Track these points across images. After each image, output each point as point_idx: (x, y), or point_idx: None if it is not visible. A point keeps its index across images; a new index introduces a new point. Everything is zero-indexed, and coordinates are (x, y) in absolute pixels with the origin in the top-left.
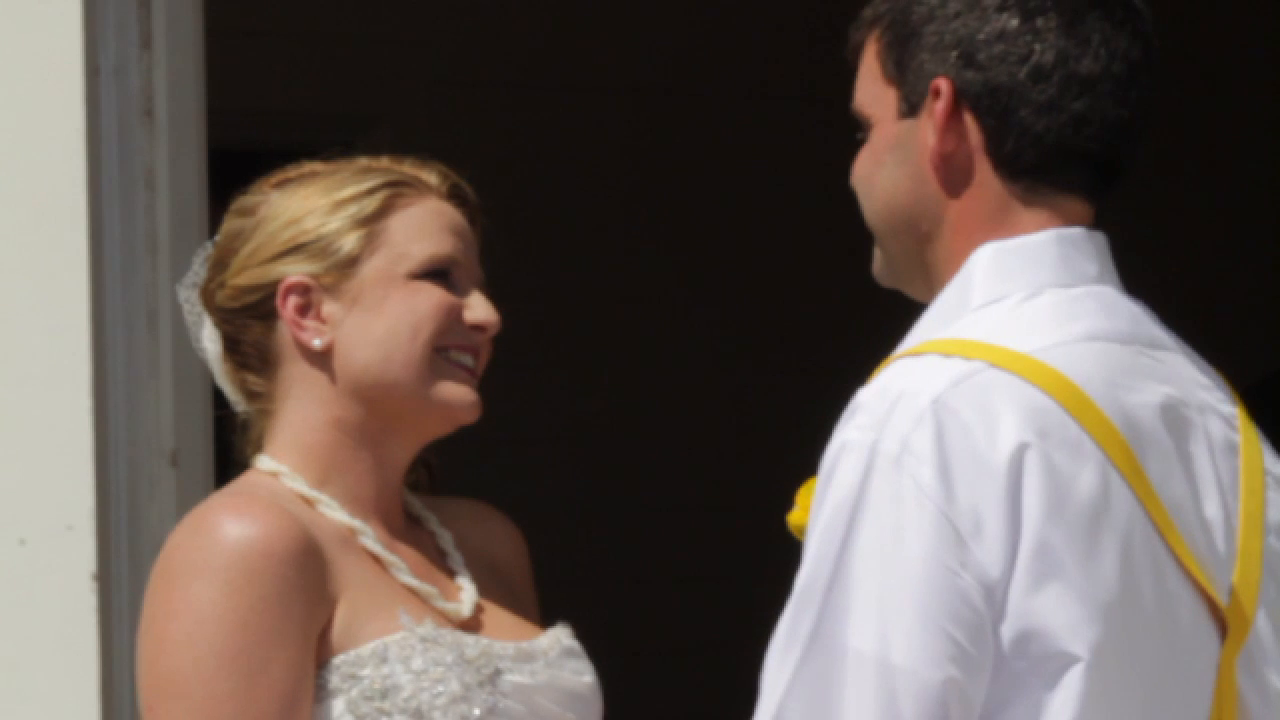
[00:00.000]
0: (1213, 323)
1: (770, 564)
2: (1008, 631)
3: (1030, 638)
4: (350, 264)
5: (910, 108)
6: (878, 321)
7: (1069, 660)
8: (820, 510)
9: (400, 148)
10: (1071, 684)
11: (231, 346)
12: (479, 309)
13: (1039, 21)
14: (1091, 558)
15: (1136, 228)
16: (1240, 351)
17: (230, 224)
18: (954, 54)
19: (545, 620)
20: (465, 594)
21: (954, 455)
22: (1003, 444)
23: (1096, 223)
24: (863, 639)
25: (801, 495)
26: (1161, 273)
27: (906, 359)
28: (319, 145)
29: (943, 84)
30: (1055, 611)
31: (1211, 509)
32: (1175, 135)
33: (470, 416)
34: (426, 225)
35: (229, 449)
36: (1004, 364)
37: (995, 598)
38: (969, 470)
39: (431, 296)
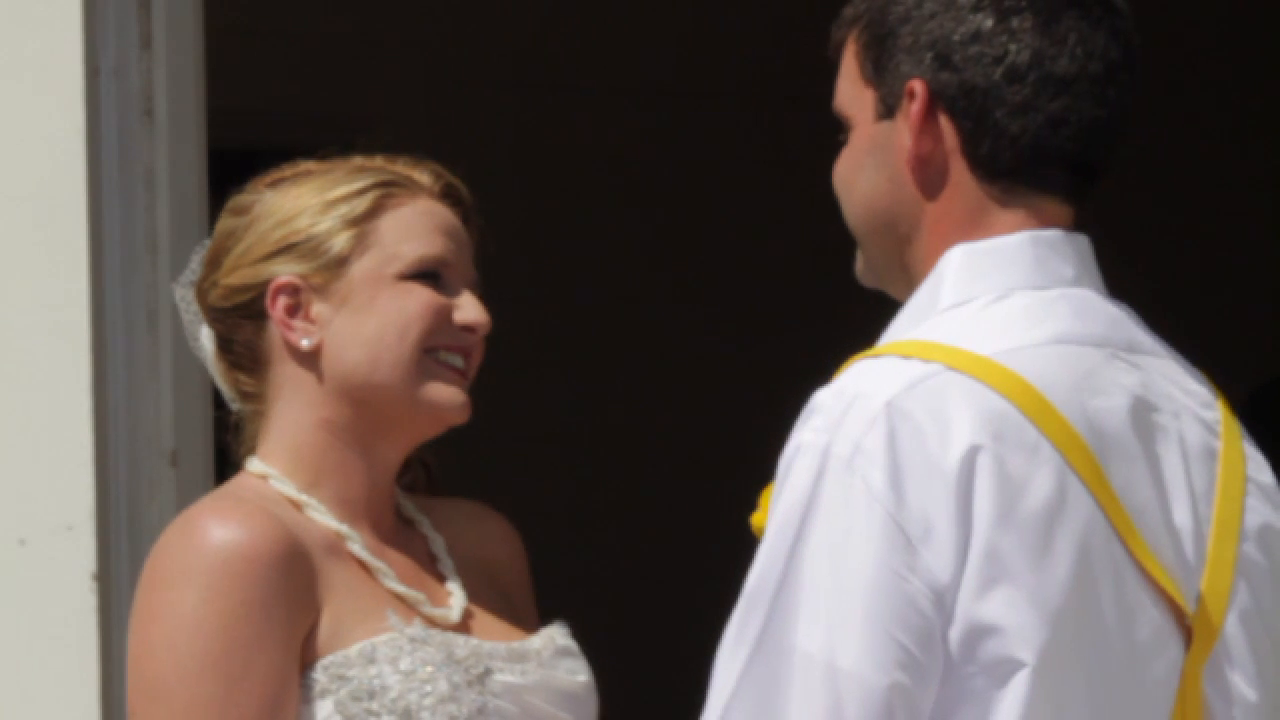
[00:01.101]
0: (1215, 327)
1: None
2: (956, 636)
3: (979, 642)
4: (340, 264)
5: (887, 109)
6: (874, 321)
7: (1016, 665)
8: (774, 512)
9: (400, 148)
10: (1018, 688)
11: (224, 346)
12: (469, 309)
13: (1014, 21)
14: (1044, 562)
15: (1138, 232)
16: (1244, 355)
17: (224, 223)
18: (929, 55)
19: (543, 620)
20: (454, 599)
21: (905, 459)
22: (954, 447)
23: (1097, 226)
24: (810, 642)
25: (764, 497)
26: (1164, 277)
27: (865, 360)
28: (318, 145)
29: (917, 86)
30: (1004, 616)
31: (1181, 515)
32: (1177, 136)
33: (459, 417)
34: (417, 226)
35: (229, 449)
36: (962, 366)
37: (945, 603)
38: (920, 474)
39: (420, 297)
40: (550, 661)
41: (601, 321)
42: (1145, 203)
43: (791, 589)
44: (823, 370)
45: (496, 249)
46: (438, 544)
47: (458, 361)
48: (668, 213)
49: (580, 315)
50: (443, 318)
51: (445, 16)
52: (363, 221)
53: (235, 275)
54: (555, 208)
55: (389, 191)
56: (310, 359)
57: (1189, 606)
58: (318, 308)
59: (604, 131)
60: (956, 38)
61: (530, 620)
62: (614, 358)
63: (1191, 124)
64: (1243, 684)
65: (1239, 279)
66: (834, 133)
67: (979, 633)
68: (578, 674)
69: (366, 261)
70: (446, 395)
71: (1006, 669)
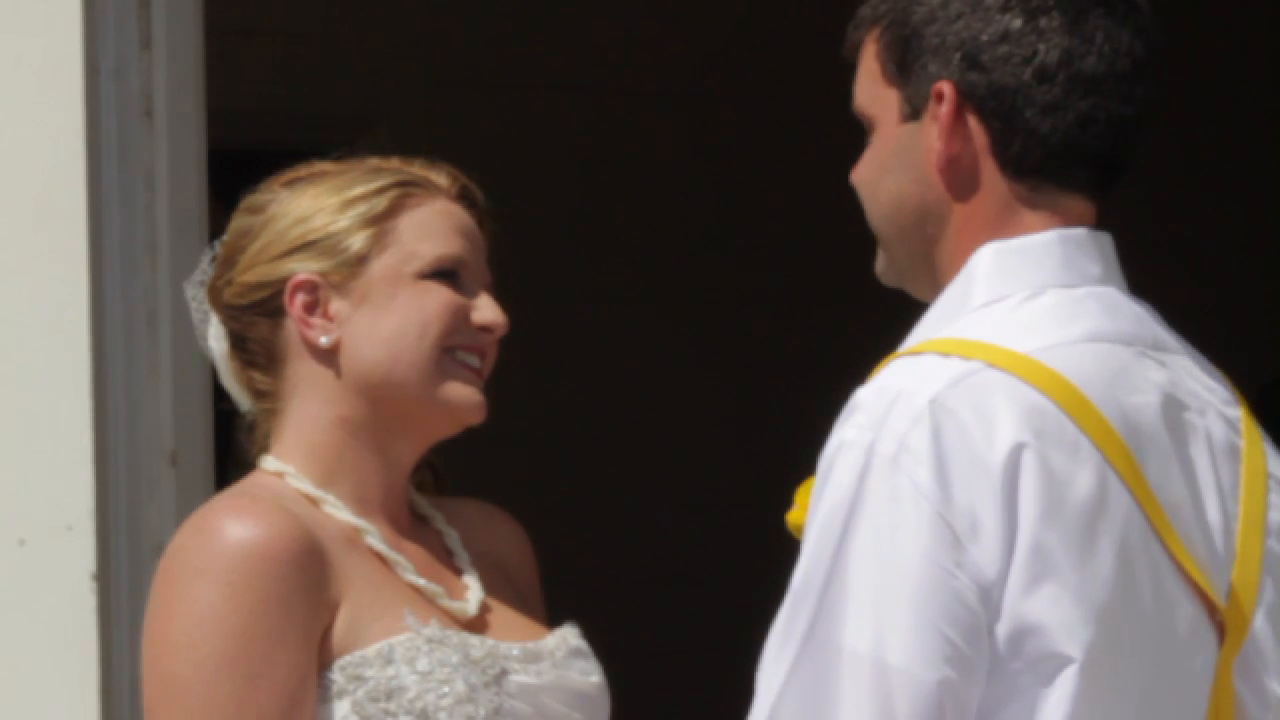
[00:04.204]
0: (1227, 324)
1: (773, 563)
2: (1003, 632)
3: (1025, 638)
4: (359, 262)
5: (913, 110)
6: (879, 319)
7: (1063, 661)
8: (817, 509)
9: (399, 148)
10: (1065, 684)
11: (238, 344)
12: (486, 310)
13: (1042, 21)
14: (1087, 559)
15: (1151, 229)
16: (1255, 352)
17: (239, 222)
18: (957, 56)
19: (551, 620)
20: (471, 593)
21: (951, 455)
22: (999, 444)
23: (1109, 224)
24: (858, 639)
25: (800, 494)
26: (1176, 274)
27: (905, 358)
28: (319, 145)
29: (946, 88)
30: (1050, 612)
31: (1211, 511)
32: (1191, 135)
33: (477, 417)
34: (435, 226)
35: (229, 449)
36: (1002, 364)
37: (991, 598)
38: (965, 471)
39: (439, 296)
40: (564, 662)
41: (602, 320)
42: (1157, 201)
43: (838, 587)
44: (826, 367)
45: (498, 248)
46: (452, 539)
47: (474, 361)
48: (669, 210)
49: (583, 314)
50: (461, 317)
51: (445, 16)
52: (381, 220)
53: (252, 273)
54: (555, 207)
55: (407, 191)
56: (328, 356)
57: (1221, 602)
58: (336, 305)
59: (603, 132)
60: (985, 38)
61: (539, 620)
62: (615, 357)
63: (1206, 122)
64: (1272, 680)
65: (1249, 278)
66: (836, 130)
67: (1026, 629)
68: (590, 675)
69: (385, 260)
70: (464, 395)
71: (1053, 665)
